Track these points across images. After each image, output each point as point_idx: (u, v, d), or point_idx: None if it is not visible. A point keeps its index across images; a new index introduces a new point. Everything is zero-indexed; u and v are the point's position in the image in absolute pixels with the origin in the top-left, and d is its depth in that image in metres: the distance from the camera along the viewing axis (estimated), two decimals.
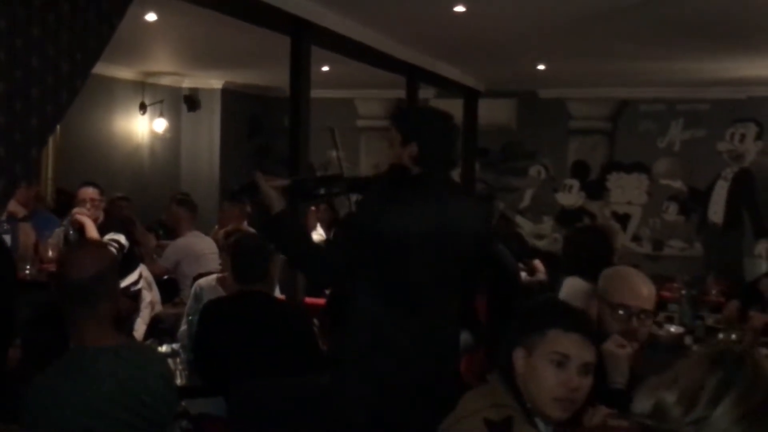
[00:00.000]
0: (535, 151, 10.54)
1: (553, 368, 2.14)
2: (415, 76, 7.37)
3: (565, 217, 10.50)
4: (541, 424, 2.17)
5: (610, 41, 6.81)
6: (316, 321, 4.53)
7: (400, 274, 2.92)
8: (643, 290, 2.79)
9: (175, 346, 4.27)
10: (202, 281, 4.84)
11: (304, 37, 5.15)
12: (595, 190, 10.40)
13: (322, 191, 3.26)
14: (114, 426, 2.43)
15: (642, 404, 1.54)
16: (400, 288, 2.94)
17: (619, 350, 2.60)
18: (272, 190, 2.97)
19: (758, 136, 9.66)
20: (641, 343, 2.73)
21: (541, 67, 8.20)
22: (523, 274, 7.91)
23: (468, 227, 3.01)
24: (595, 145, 10.37)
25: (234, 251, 4.02)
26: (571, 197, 10.51)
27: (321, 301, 5.26)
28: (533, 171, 10.62)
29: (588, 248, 4.64)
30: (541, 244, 10.24)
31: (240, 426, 3.54)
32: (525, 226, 10.48)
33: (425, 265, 2.91)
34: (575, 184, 10.48)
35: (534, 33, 6.46)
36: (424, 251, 2.90)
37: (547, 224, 10.60)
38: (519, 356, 2.20)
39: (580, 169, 10.46)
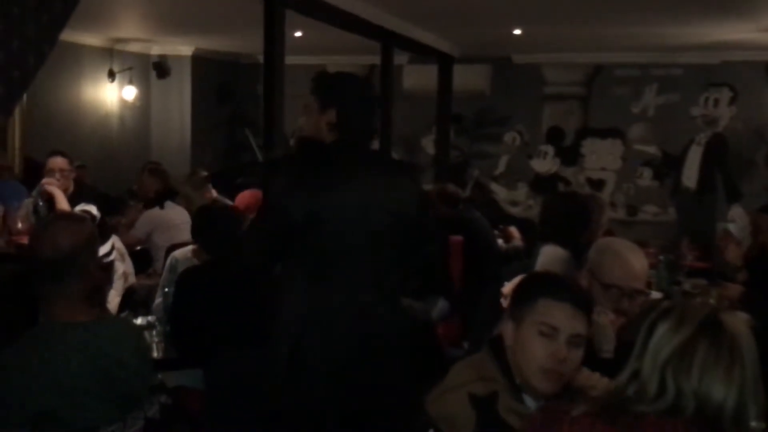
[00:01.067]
0: (509, 117, 10.50)
1: (541, 339, 2.09)
2: (390, 41, 7.27)
3: (540, 183, 10.50)
4: (529, 400, 2.12)
5: (585, 5, 6.76)
6: None
7: (319, 252, 2.80)
8: (636, 268, 2.75)
9: (150, 318, 4.21)
10: (177, 253, 4.74)
11: (277, 1, 5.03)
12: (570, 156, 10.39)
13: (239, 180, 3.20)
14: (85, 402, 2.37)
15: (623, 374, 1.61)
16: (321, 265, 2.81)
17: (602, 318, 2.57)
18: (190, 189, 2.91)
19: (732, 101, 9.68)
20: (630, 318, 2.69)
21: (517, 31, 8.13)
22: (499, 241, 7.89)
23: (390, 199, 2.85)
24: (570, 111, 10.35)
25: (203, 219, 3.93)
26: (545, 163, 10.50)
27: None
28: (508, 137, 10.58)
29: (566, 215, 4.62)
30: (515, 210, 10.25)
31: (218, 397, 3.49)
32: (500, 192, 10.47)
33: (343, 240, 2.79)
34: (550, 150, 10.47)
35: None
36: (341, 226, 2.78)
37: (522, 191, 10.59)
38: (508, 328, 2.16)
39: (554, 135, 10.44)
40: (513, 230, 8.25)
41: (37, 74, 3.60)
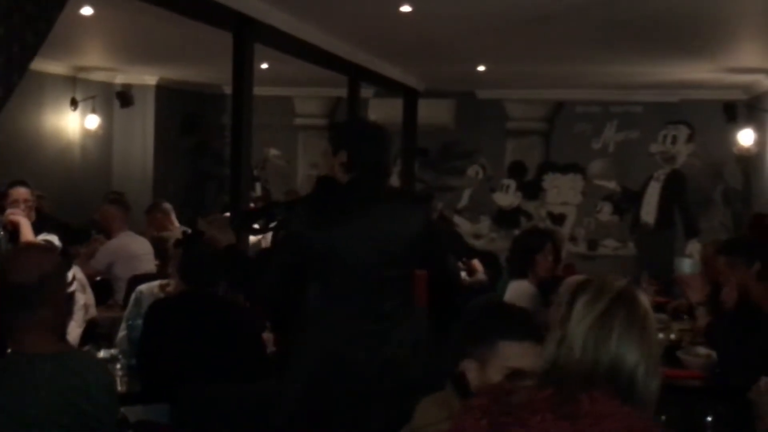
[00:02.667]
0: (473, 151, 10.59)
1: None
2: (357, 75, 7.32)
3: (502, 217, 10.59)
4: None
5: (549, 44, 6.88)
6: (268, 324, 4.45)
7: (336, 280, 3.02)
8: None
9: (114, 351, 4.15)
10: (143, 287, 4.68)
11: (247, 35, 5.05)
12: (532, 190, 10.50)
13: (259, 224, 3.43)
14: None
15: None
16: (338, 293, 3.02)
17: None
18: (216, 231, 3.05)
19: (690, 139, 9.89)
20: None
21: (481, 68, 8.24)
22: (463, 274, 7.92)
23: (402, 229, 3.04)
24: (532, 146, 10.48)
25: (185, 252, 3.89)
26: (507, 197, 10.60)
27: None
28: (471, 171, 10.67)
29: (535, 251, 4.67)
30: (478, 243, 10.29)
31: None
32: (463, 225, 10.52)
33: (358, 269, 2.98)
34: (512, 184, 10.57)
35: (476, 34, 6.48)
36: (355, 256, 2.97)
37: (485, 224, 10.67)
38: (470, 368, 2.14)
39: (516, 170, 10.55)
40: (476, 263, 8.27)
41: (5, 104, 3.56)
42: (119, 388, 3.69)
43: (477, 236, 10.56)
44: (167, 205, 7.43)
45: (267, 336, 4.40)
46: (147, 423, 3.66)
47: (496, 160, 10.58)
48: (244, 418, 3.46)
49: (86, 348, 4.29)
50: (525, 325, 2.17)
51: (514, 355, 2.08)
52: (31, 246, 4.13)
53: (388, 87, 8.86)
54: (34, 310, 2.41)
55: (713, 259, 5.16)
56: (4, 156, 8.28)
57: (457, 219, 10.58)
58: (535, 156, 10.48)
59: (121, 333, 4.40)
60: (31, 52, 3.59)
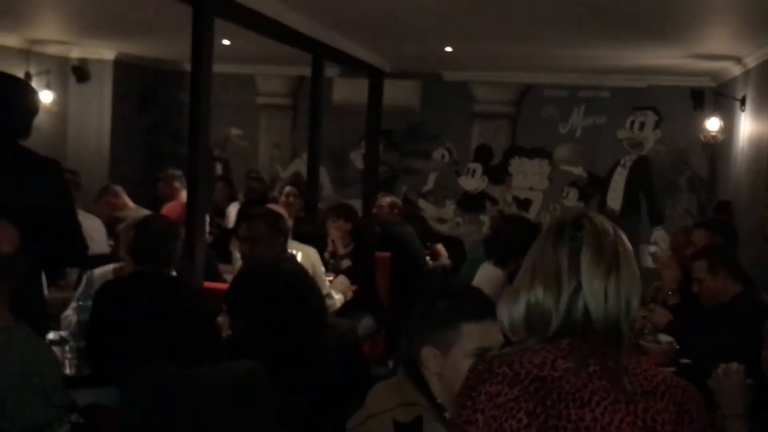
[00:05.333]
0: (439, 134, 10.45)
1: None
2: (320, 53, 7.11)
3: (468, 201, 10.47)
4: None
5: (516, 26, 6.74)
6: (223, 306, 4.30)
7: None
8: None
9: (63, 333, 4.02)
10: (97, 271, 4.51)
11: (207, 8, 4.83)
12: (498, 174, 10.39)
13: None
14: (7, 401, 2.43)
15: (511, 314, 1.55)
16: None
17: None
18: None
19: (657, 125, 9.83)
20: None
21: (448, 48, 8.07)
22: (427, 258, 7.81)
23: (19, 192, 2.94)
24: (498, 130, 10.36)
25: (140, 231, 3.71)
26: (473, 182, 10.48)
27: (221, 285, 5.02)
28: (437, 154, 10.53)
29: (511, 237, 4.59)
30: (443, 228, 10.18)
31: (133, 416, 3.30)
32: (428, 209, 10.40)
33: None
34: (478, 168, 10.45)
35: (443, 13, 6.31)
36: None
37: (450, 208, 10.54)
38: (429, 355, 2.13)
39: (483, 154, 10.43)
40: (440, 248, 8.19)
41: None
42: (68, 370, 3.66)
43: (442, 220, 10.44)
44: (117, 187, 7.23)
45: (222, 319, 4.26)
46: (96, 406, 3.57)
47: (462, 143, 10.44)
48: (195, 402, 3.33)
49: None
50: (482, 304, 2.16)
51: (477, 335, 2.09)
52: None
53: (353, 66, 8.66)
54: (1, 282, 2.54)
55: (684, 246, 5.13)
56: None
57: (422, 203, 10.45)
58: (501, 140, 10.36)
59: (69, 314, 4.24)
60: None
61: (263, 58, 9.49)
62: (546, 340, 1.52)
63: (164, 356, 3.45)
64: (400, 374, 2.18)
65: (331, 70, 9.47)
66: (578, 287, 1.51)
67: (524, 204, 10.33)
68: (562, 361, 1.49)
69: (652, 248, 9.43)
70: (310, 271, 5.12)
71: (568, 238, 1.54)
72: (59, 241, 3.08)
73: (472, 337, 2.10)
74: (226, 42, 7.90)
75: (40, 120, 9.60)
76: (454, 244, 8.88)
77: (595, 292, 1.51)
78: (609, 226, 1.58)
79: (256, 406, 3.52)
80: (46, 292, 5.46)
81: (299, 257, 5.17)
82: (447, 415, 2.07)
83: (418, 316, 2.21)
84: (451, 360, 2.10)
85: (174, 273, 4.63)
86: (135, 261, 3.71)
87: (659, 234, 9.69)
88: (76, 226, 3.20)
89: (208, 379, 3.44)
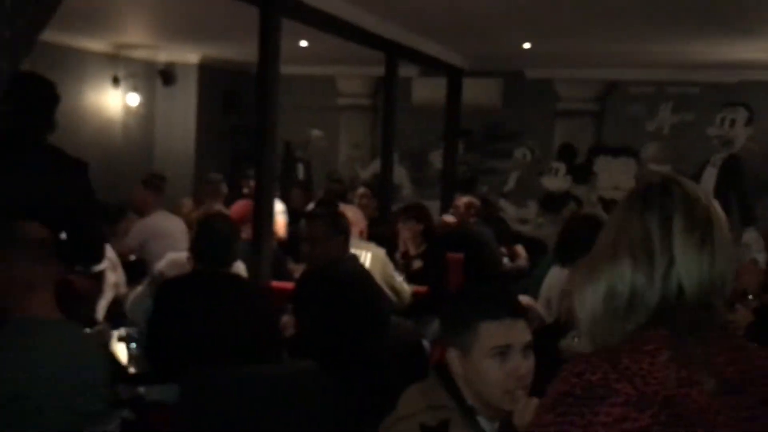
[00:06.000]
0: (520, 133, 10.29)
1: (496, 363, 2.06)
2: (395, 52, 7.08)
3: (550, 201, 10.23)
4: (484, 422, 2.09)
5: (599, 20, 6.56)
6: (289, 306, 4.31)
7: None
8: None
9: (131, 330, 4.10)
10: (162, 264, 4.60)
11: (273, 9, 4.86)
12: (582, 173, 10.16)
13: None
14: (55, 393, 2.44)
15: (589, 295, 1.36)
16: None
17: (576, 343, 2.54)
18: None
19: (748, 122, 9.40)
20: None
21: (526, 45, 7.93)
22: (505, 260, 7.68)
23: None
24: (583, 128, 10.13)
25: (200, 230, 3.76)
26: (556, 181, 10.26)
27: (288, 285, 5.04)
28: (518, 153, 10.36)
29: (581, 237, 4.42)
30: (525, 229, 10.01)
31: (189, 414, 3.33)
32: (508, 210, 10.25)
33: None
34: (561, 167, 10.23)
35: (520, 10, 6.19)
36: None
37: (532, 209, 10.36)
38: (453, 356, 2.11)
39: (566, 152, 10.22)
40: (519, 249, 8.04)
41: (8, 79, 3.43)
42: (134, 367, 3.74)
43: (523, 221, 10.27)
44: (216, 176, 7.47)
45: (287, 319, 4.27)
46: (157, 403, 3.57)
47: (544, 142, 10.26)
48: (251, 400, 3.33)
49: (100, 325, 4.24)
50: (500, 302, 2.14)
51: (496, 334, 2.07)
52: None
53: (431, 65, 8.60)
54: (50, 264, 2.56)
55: None
56: None
57: (503, 203, 10.31)
58: (585, 138, 10.13)
59: (135, 309, 4.32)
60: (38, 26, 3.44)
61: (343, 59, 9.52)
62: (642, 328, 1.33)
63: (223, 354, 3.47)
64: (430, 377, 2.17)
65: (410, 70, 9.44)
66: (671, 260, 1.32)
67: (610, 204, 10.04)
68: (684, 372, 1.27)
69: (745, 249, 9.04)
70: (379, 272, 5.09)
71: (657, 205, 1.36)
72: (77, 241, 3.15)
73: (490, 336, 2.06)
74: (303, 43, 7.96)
75: (129, 122, 9.97)
76: (536, 246, 8.70)
77: (689, 265, 1.32)
78: (700, 192, 1.39)
79: (313, 406, 3.51)
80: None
81: (368, 257, 5.15)
82: (479, 418, 2.08)
83: (441, 319, 2.22)
84: (472, 361, 2.07)
85: (243, 270, 4.72)
86: (195, 259, 3.76)
87: (751, 235, 9.26)
88: (96, 228, 3.27)
89: (265, 377, 3.44)
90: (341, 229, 4.15)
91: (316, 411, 3.49)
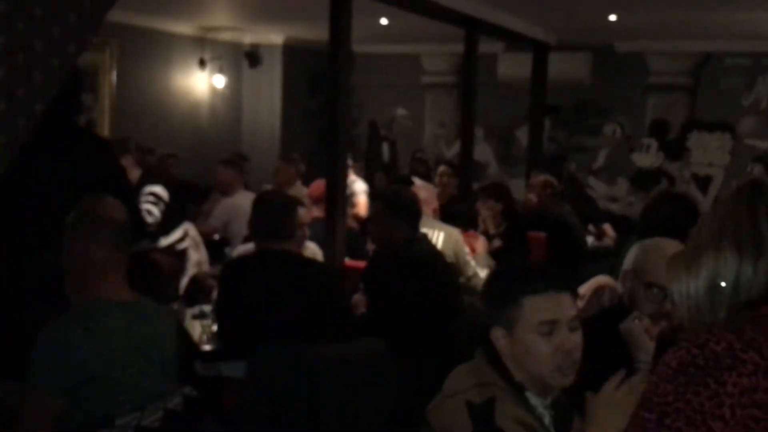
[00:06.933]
0: (610, 109, 10.00)
1: (543, 337, 2.02)
2: (475, 28, 6.95)
3: (642, 178, 9.90)
4: (533, 399, 2.05)
5: None
6: (361, 286, 4.31)
7: None
8: None
9: (206, 307, 4.16)
10: (240, 247, 4.66)
11: None
12: (675, 150, 9.81)
13: None
14: (125, 374, 2.48)
15: (690, 283, 1.37)
16: None
17: (636, 326, 2.42)
18: None
19: None
20: (674, 325, 2.41)
21: (612, 17, 7.66)
22: (591, 239, 7.50)
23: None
24: (675, 102, 9.77)
25: (254, 206, 3.79)
26: (648, 158, 9.95)
27: (362, 264, 5.03)
28: (608, 129, 10.08)
29: (671, 218, 4.24)
30: (615, 207, 9.75)
31: (255, 392, 3.36)
32: (598, 188, 9.99)
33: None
34: (653, 143, 9.91)
35: None
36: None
37: (622, 186, 10.07)
38: (498, 336, 2.07)
39: (658, 128, 9.89)
40: (607, 228, 7.83)
41: (77, 61, 3.51)
42: (208, 345, 3.81)
43: (613, 199, 10.00)
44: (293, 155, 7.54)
45: (359, 298, 4.26)
46: (225, 380, 3.65)
47: (635, 117, 9.94)
48: (315, 378, 3.33)
49: (175, 304, 4.34)
50: (544, 276, 2.10)
51: (540, 307, 2.03)
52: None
53: (515, 40, 8.43)
54: (124, 249, 2.56)
55: None
56: (134, 116, 8.51)
57: (592, 181, 10.06)
58: (678, 113, 9.76)
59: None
60: (105, 8, 3.50)
61: (427, 36, 9.43)
62: (751, 307, 1.35)
63: (290, 333, 3.48)
64: (477, 356, 2.13)
65: (495, 46, 9.28)
66: None
67: (704, 181, 9.70)
68: None
69: None
70: (452, 252, 5.02)
71: (766, 199, 1.39)
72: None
73: (534, 310, 2.02)
74: (383, 21, 7.91)
75: (215, 103, 10.15)
76: (626, 224, 8.45)
77: None
78: None
79: (379, 386, 3.50)
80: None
81: (441, 237, 5.09)
82: (528, 394, 2.04)
83: (484, 298, 2.17)
84: (517, 337, 2.04)
85: (314, 251, 4.73)
86: (255, 238, 3.78)
87: None
88: (132, 204, 3.34)
89: (330, 356, 3.44)
90: (403, 209, 4.09)
91: (381, 390, 3.47)
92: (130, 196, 3.38)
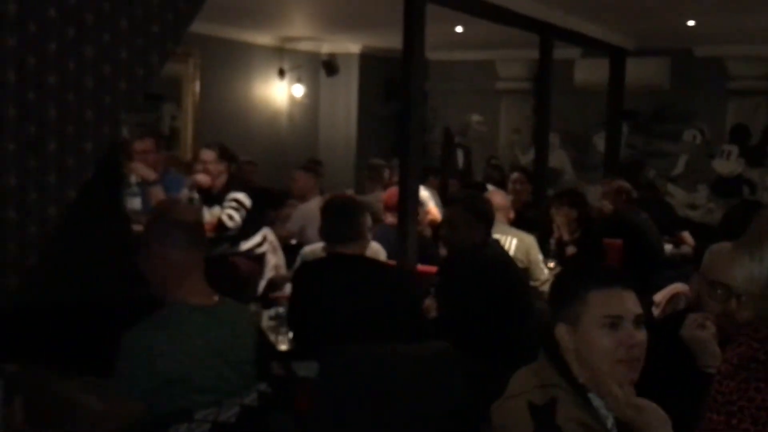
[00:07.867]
0: (689, 114, 9.81)
1: (607, 332, 2.03)
2: (549, 34, 6.95)
3: (722, 185, 9.74)
4: (596, 400, 2.05)
5: None
6: (432, 289, 4.36)
7: None
8: None
9: (282, 309, 4.27)
10: (307, 249, 4.77)
11: None
12: (756, 156, 9.57)
13: None
14: (206, 375, 2.53)
15: (754, 271, 1.42)
16: None
17: (699, 332, 2.42)
18: None
19: None
20: (739, 325, 2.39)
21: (690, 23, 7.55)
22: (669, 247, 7.39)
23: None
24: (757, 108, 9.53)
25: (323, 211, 3.90)
26: (729, 164, 9.73)
27: (433, 269, 5.08)
28: (687, 135, 9.89)
29: (746, 225, 4.17)
30: (694, 214, 9.57)
31: (326, 391, 3.43)
32: (677, 195, 9.82)
33: None
34: (734, 149, 9.69)
35: None
36: None
37: (702, 193, 9.87)
38: (562, 332, 2.09)
39: (739, 134, 9.65)
40: (686, 235, 7.70)
41: (160, 71, 3.67)
42: (283, 345, 3.92)
43: (693, 207, 9.81)
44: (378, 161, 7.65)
45: (430, 302, 4.32)
46: (301, 379, 3.71)
47: (715, 123, 9.73)
48: (384, 379, 3.40)
49: (255, 305, 4.46)
50: (609, 272, 2.13)
51: (605, 302, 2.04)
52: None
53: (591, 46, 8.37)
54: (199, 249, 2.61)
55: None
56: (216, 125, 8.76)
57: (671, 188, 9.88)
58: (760, 118, 9.52)
59: None
60: (186, 19, 3.66)
61: (502, 43, 9.44)
62: None
63: (362, 334, 3.54)
64: (540, 357, 2.15)
65: (572, 51, 9.23)
66: None
67: None
68: None
69: None
70: (525, 258, 5.04)
71: None
72: None
73: (599, 304, 2.04)
74: (459, 29, 7.97)
75: (294, 112, 10.34)
76: (706, 232, 8.30)
77: None
78: None
79: (447, 389, 3.53)
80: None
81: (514, 243, 5.11)
82: (591, 396, 2.04)
83: (550, 296, 2.20)
84: (582, 332, 2.05)
85: (377, 252, 4.80)
86: (323, 239, 3.87)
87: None
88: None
89: (398, 357, 3.49)
90: (480, 214, 4.14)
91: (448, 393, 3.51)
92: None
